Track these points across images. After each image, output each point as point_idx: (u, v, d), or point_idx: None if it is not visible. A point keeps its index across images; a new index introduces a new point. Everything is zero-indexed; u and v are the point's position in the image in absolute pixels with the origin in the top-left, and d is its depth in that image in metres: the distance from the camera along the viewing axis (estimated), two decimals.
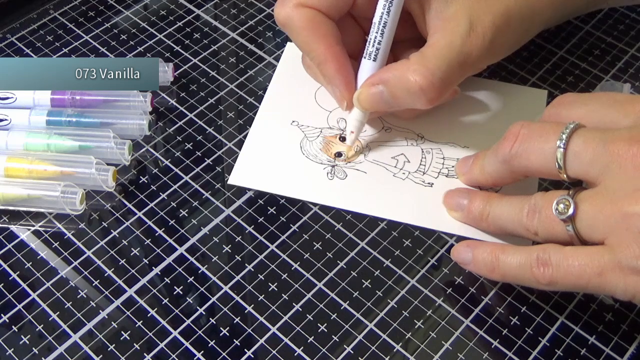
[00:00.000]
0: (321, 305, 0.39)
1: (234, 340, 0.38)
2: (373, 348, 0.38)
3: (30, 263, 0.41)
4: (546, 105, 0.46)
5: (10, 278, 0.40)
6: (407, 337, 0.38)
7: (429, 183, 0.44)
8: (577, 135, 0.36)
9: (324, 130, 0.47)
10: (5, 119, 0.46)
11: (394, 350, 0.38)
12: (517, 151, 0.38)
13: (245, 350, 0.38)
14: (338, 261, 0.41)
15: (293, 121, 0.48)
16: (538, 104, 0.49)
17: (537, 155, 0.37)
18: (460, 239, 0.42)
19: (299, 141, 0.46)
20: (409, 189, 0.44)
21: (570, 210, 0.35)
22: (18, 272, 0.41)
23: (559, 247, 0.35)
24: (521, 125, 0.38)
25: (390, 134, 0.47)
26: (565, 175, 0.36)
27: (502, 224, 0.39)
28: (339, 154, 0.46)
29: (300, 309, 0.39)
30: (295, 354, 0.37)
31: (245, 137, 0.47)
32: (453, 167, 0.45)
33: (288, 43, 0.53)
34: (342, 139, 0.46)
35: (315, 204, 0.43)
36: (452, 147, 0.46)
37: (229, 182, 0.44)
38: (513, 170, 0.39)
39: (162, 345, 0.38)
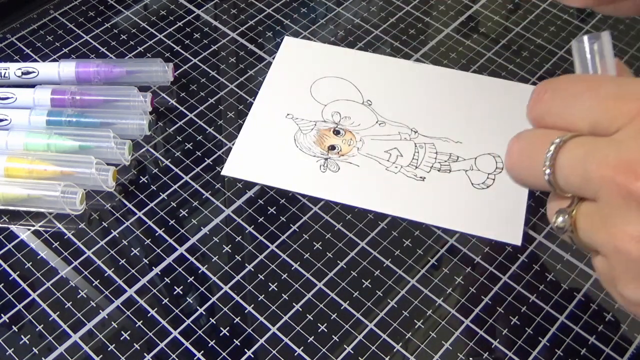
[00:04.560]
0: (321, 305, 0.39)
1: (234, 340, 0.38)
2: (373, 348, 0.38)
3: (30, 263, 0.41)
4: None
5: (10, 278, 0.40)
6: (407, 337, 0.38)
7: (421, 177, 0.45)
8: (562, 157, 0.33)
9: (318, 123, 0.47)
10: (5, 119, 0.46)
11: (394, 350, 0.38)
12: (511, 174, 0.36)
13: (245, 350, 0.38)
14: (338, 261, 0.41)
15: (288, 114, 0.48)
16: None
17: (529, 177, 0.35)
18: (460, 237, 0.42)
19: (293, 134, 0.47)
20: (401, 182, 0.44)
21: (569, 227, 0.34)
22: (18, 272, 0.41)
23: None
24: (513, 143, 0.36)
25: (384, 128, 0.47)
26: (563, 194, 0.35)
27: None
28: (332, 147, 0.46)
29: (300, 309, 0.39)
30: (295, 354, 0.37)
31: None
32: (445, 161, 0.45)
33: (285, 36, 0.53)
34: (336, 132, 0.47)
35: (315, 204, 0.43)
36: (444, 142, 0.46)
37: (222, 173, 0.45)
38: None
39: (162, 345, 0.38)
